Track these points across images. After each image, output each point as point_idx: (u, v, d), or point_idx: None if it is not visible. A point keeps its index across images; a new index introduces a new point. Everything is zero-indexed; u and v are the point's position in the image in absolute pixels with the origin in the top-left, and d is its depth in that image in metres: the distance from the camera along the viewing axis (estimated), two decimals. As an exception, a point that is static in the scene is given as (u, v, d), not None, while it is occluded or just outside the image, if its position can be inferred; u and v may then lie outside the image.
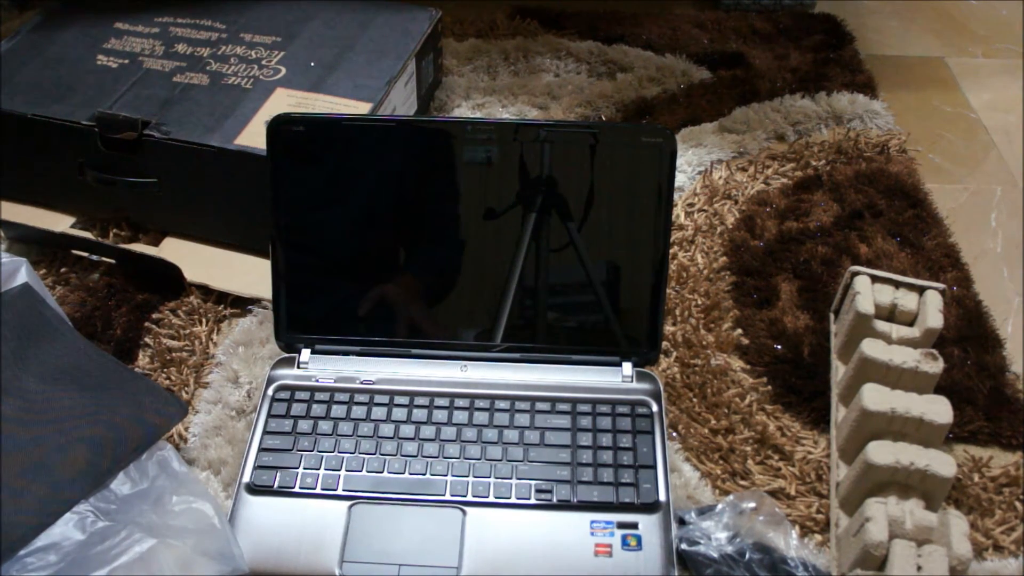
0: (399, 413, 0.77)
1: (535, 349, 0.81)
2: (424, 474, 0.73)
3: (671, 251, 0.93)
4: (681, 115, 1.20)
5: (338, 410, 0.78)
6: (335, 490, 0.73)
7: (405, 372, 0.80)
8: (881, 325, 0.83)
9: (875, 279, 0.85)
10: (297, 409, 0.78)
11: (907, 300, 0.84)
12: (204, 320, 0.91)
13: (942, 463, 0.71)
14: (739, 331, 0.91)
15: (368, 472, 0.74)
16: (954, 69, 1.33)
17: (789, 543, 0.72)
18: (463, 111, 1.19)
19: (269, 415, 0.77)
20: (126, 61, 1.01)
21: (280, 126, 0.77)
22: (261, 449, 0.75)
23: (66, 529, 0.65)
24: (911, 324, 0.84)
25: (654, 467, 0.74)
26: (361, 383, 0.80)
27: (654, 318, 0.79)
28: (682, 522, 0.73)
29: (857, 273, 0.86)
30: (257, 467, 0.74)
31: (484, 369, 0.81)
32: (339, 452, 0.75)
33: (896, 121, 1.19)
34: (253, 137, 0.90)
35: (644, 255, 0.78)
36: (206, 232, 0.97)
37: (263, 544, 0.70)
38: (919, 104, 1.25)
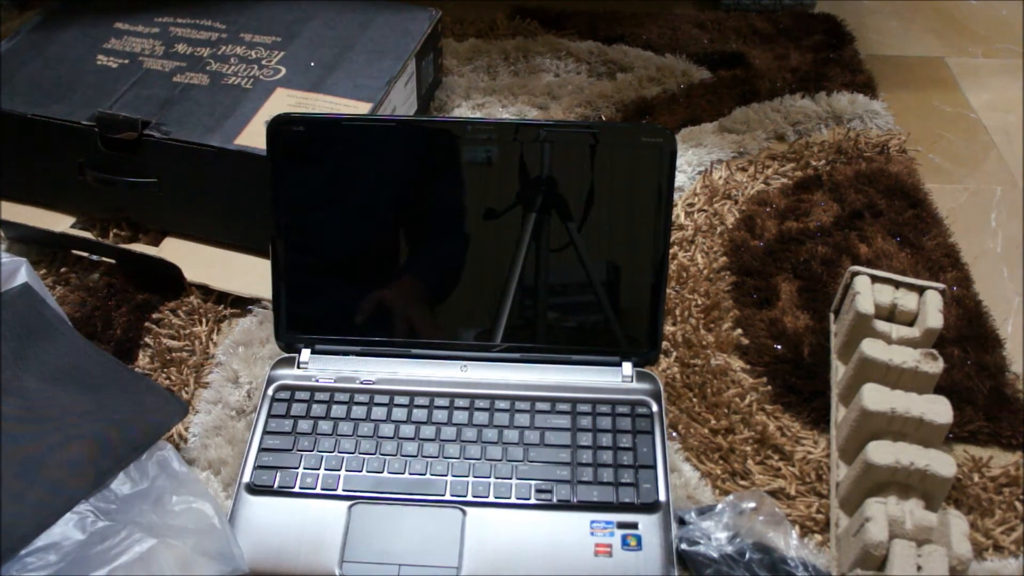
0: (399, 413, 0.77)
1: (535, 349, 0.81)
2: (424, 474, 0.73)
3: (671, 251, 0.93)
4: (681, 115, 1.20)
5: (338, 410, 0.78)
6: (335, 490, 0.73)
7: (405, 372, 0.80)
8: (881, 325, 0.83)
9: (875, 279, 0.85)
10: (297, 409, 0.78)
11: (907, 300, 0.84)
12: (204, 320, 0.91)
13: (942, 463, 0.71)
14: (739, 331, 0.91)
15: (368, 472, 0.74)
16: (954, 69, 1.33)
17: (789, 543, 0.72)
18: (463, 111, 1.19)
19: (269, 415, 0.77)
20: (126, 61, 1.01)
21: (280, 126, 0.77)
22: (261, 449, 0.75)
23: (66, 529, 0.65)
24: (911, 324, 0.84)
25: (654, 467, 0.74)
26: (361, 383, 0.80)
27: (654, 318, 0.79)
28: (682, 522, 0.73)
29: (857, 273, 0.86)
30: (257, 467, 0.74)
31: (484, 369, 0.81)
32: (339, 452, 0.75)
33: (896, 121, 1.19)
34: (253, 137, 0.90)
35: (644, 255, 0.78)
36: (206, 232, 0.97)
37: (263, 544, 0.70)
38: (919, 104, 1.25)
